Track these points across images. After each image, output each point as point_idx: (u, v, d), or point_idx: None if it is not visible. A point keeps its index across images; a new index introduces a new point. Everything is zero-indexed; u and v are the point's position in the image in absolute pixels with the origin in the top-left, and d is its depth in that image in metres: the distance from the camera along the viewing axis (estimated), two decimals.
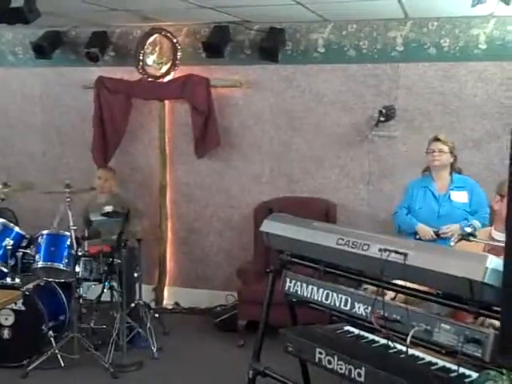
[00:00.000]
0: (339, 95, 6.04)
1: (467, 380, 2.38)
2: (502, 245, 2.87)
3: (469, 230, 2.91)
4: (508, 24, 5.52)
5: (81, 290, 5.29)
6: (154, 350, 5.18)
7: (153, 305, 6.26)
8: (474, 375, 2.36)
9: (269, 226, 3.08)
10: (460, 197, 4.87)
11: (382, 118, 5.68)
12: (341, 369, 2.65)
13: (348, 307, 2.76)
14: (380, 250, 2.49)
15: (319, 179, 6.17)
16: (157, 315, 5.74)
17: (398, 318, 2.52)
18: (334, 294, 2.82)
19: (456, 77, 5.74)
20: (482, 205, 4.78)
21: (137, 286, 5.61)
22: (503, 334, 1.64)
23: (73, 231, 5.03)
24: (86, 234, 5.23)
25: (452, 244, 2.86)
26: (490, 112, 5.69)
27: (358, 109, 5.98)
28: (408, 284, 2.63)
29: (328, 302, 2.85)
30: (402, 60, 5.84)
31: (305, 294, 2.96)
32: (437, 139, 4.94)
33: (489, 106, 5.68)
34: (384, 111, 5.68)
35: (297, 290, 3.01)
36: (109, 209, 5.28)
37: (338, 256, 2.72)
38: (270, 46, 5.96)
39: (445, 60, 5.74)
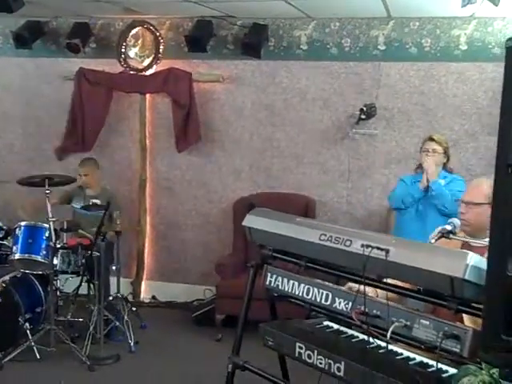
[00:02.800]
0: (321, 92, 6.07)
1: (445, 375, 2.41)
2: (480, 245, 2.95)
3: (449, 227, 2.94)
4: (488, 25, 5.60)
5: (58, 282, 5.26)
6: (131, 344, 5.17)
7: (130, 298, 6.23)
8: (452, 370, 2.40)
9: (251, 221, 3.07)
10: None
11: (362, 116, 5.73)
12: (320, 363, 2.66)
13: (329, 302, 2.76)
14: (362, 245, 2.50)
15: (299, 175, 6.19)
16: (134, 309, 5.72)
17: (379, 313, 2.53)
18: (315, 289, 2.83)
19: (436, 77, 5.81)
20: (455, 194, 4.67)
21: (114, 279, 5.58)
22: (485, 331, 1.67)
23: (51, 223, 4.98)
24: (65, 226, 5.19)
25: (432, 242, 2.88)
26: (468, 112, 5.76)
27: (340, 106, 6.02)
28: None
29: (309, 297, 2.85)
30: (383, 59, 5.89)
31: (286, 289, 2.96)
32: (431, 139, 4.83)
33: (468, 107, 5.76)
34: (365, 109, 5.72)
35: (278, 285, 3.01)
36: (96, 202, 5.28)
37: (320, 251, 2.72)
38: (253, 41, 5.97)
39: (425, 60, 5.80)
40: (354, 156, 6.00)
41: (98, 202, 5.40)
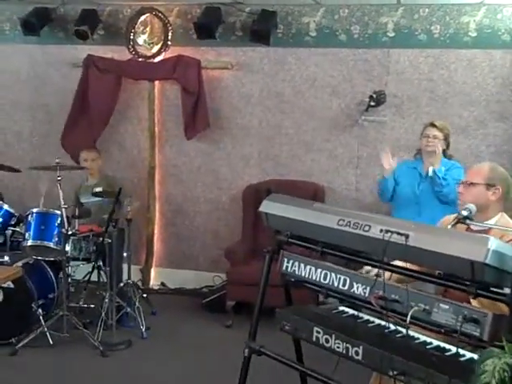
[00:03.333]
0: (330, 79, 6.06)
1: (462, 359, 2.43)
2: (481, 228, 2.96)
3: (465, 213, 2.96)
4: (498, 12, 5.58)
5: (69, 269, 5.29)
6: (143, 330, 5.20)
7: (139, 285, 6.26)
8: (469, 355, 2.42)
9: (268, 206, 3.08)
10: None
11: (372, 103, 5.73)
12: (338, 347, 2.68)
13: (346, 287, 2.78)
14: (381, 230, 2.52)
15: (308, 162, 6.20)
16: (144, 295, 5.74)
17: (397, 297, 2.55)
18: (333, 274, 2.84)
19: (445, 64, 5.81)
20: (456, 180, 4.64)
21: (125, 265, 5.61)
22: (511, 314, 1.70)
23: (63, 210, 5.00)
24: (77, 213, 5.21)
25: (449, 227, 2.90)
26: (477, 99, 5.76)
27: (349, 93, 6.02)
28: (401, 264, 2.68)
29: (326, 281, 2.86)
30: (392, 46, 5.88)
31: (302, 274, 2.96)
32: (432, 125, 4.89)
33: (477, 94, 5.76)
34: (374, 96, 5.72)
35: (294, 270, 3.02)
36: (99, 189, 5.28)
37: (338, 237, 2.73)
38: (262, 28, 5.95)
39: (435, 47, 5.79)
40: (363, 143, 6.00)
41: (100, 189, 5.41)
